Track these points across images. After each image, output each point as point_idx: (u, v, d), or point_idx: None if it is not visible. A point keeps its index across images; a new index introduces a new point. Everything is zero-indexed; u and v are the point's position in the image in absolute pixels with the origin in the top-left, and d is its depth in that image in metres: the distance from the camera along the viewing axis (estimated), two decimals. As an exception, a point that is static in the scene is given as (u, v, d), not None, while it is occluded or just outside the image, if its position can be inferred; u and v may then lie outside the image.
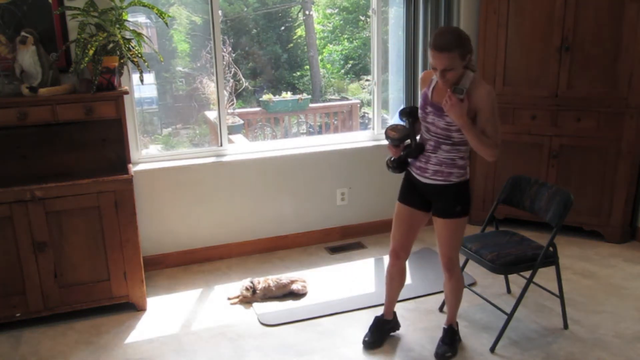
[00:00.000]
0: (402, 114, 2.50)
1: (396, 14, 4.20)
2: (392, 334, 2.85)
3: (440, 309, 3.09)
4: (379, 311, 2.88)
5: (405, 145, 2.48)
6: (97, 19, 3.03)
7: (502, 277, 3.31)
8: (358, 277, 3.49)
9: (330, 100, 8.43)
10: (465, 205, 2.46)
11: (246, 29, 8.37)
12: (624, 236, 3.93)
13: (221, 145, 3.83)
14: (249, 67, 8.02)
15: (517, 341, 2.78)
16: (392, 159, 2.53)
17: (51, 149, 3.20)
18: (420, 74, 4.07)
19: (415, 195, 2.55)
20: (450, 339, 2.70)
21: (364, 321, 2.92)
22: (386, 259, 3.71)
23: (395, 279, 2.74)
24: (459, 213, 2.44)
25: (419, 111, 2.46)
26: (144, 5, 3.15)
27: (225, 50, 6.14)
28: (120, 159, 3.28)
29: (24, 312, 2.92)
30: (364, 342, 2.74)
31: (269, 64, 8.46)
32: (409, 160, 2.53)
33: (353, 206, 4.08)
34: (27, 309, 2.92)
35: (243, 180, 3.79)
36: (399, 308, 3.10)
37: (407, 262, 2.72)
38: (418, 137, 2.51)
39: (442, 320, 2.99)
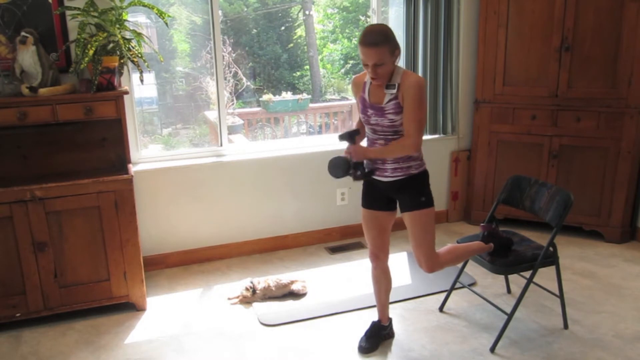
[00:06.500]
0: (342, 138, 2.47)
1: (396, 14, 4.21)
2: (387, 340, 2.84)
3: (440, 309, 3.09)
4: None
5: (357, 165, 2.45)
6: (97, 19, 3.03)
7: (502, 277, 3.31)
8: (358, 277, 3.49)
9: (330, 100, 8.43)
10: (428, 196, 2.47)
11: (246, 29, 8.36)
12: (624, 236, 3.93)
13: (221, 145, 3.83)
14: (249, 67, 8.02)
15: (517, 341, 2.78)
16: (357, 173, 2.47)
17: (51, 149, 3.20)
18: (420, 74, 4.09)
19: (377, 197, 2.56)
20: None
21: (363, 321, 2.92)
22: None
23: (380, 281, 2.75)
24: (425, 203, 2.45)
25: (361, 116, 2.49)
26: (144, 5, 3.15)
27: (225, 50, 6.14)
28: (120, 159, 3.28)
29: (24, 312, 2.92)
30: (360, 347, 2.74)
31: (269, 64, 8.46)
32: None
33: (353, 206, 4.08)
34: (27, 309, 2.92)
35: (243, 180, 3.79)
36: (398, 308, 3.11)
37: (389, 263, 2.74)
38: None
39: (442, 320, 3.00)
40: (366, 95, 2.45)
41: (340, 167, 2.43)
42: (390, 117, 2.36)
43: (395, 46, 2.30)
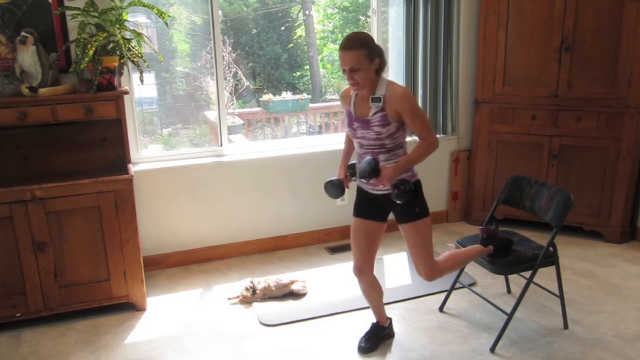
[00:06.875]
0: (369, 178, 2.35)
1: (396, 14, 4.20)
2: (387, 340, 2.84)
3: (440, 309, 3.09)
4: (379, 311, 2.87)
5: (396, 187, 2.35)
6: (97, 19, 3.03)
7: (502, 277, 3.31)
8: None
9: (330, 100, 8.42)
10: (422, 206, 2.45)
11: (246, 29, 8.36)
12: (624, 236, 3.93)
13: (221, 145, 3.83)
14: (249, 67, 8.02)
15: (517, 341, 2.78)
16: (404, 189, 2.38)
17: (51, 149, 3.20)
18: (420, 74, 4.09)
19: (370, 206, 2.54)
20: None
21: (363, 321, 2.92)
22: (385, 259, 3.72)
23: (369, 292, 2.70)
24: (419, 214, 2.43)
25: (347, 129, 2.48)
26: (144, 5, 3.15)
27: (225, 50, 6.14)
28: (120, 159, 3.28)
29: (24, 312, 2.92)
30: (359, 348, 2.73)
31: (269, 64, 8.45)
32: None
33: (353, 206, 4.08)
34: (27, 309, 2.92)
35: (243, 180, 3.79)
36: (398, 308, 3.11)
37: (375, 273, 2.66)
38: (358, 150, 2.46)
39: (442, 320, 3.00)
40: (352, 108, 2.43)
41: (337, 188, 2.46)
42: (377, 130, 2.34)
43: (376, 54, 2.28)
